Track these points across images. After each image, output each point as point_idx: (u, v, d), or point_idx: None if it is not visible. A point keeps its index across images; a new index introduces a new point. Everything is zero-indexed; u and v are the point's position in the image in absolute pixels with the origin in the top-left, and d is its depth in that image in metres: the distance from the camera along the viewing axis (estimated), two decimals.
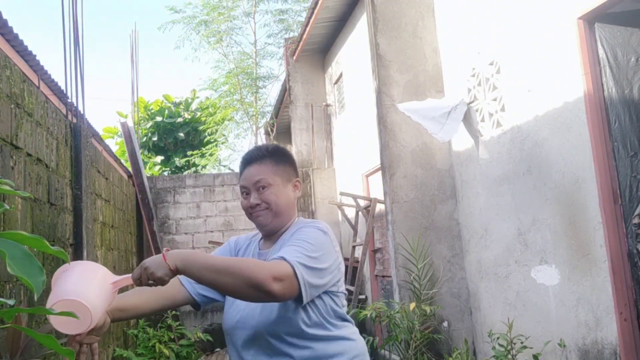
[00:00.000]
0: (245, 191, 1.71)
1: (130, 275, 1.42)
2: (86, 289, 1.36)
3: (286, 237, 1.64)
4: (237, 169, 15.61)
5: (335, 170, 8.61)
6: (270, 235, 1.71)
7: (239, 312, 1.63)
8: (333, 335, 1.59)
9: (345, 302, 1.70)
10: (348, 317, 1.68)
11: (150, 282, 1.37)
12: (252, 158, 1.72)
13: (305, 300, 1.46)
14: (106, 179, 4.76)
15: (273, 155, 1.72)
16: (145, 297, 1.65)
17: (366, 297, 6.93)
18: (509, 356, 3.57)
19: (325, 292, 1.57)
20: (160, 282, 1.37)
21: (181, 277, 1.70)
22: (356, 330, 1.70)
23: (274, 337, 1.56)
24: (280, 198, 1.67)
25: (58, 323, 1.34)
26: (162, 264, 1.37)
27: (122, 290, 1.51)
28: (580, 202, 3.39)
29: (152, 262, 1.38)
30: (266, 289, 1.36)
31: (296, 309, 1.54)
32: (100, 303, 1.39)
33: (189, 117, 17.40)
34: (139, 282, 1.39)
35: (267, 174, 1.67)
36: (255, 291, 1.37)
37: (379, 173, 5.56)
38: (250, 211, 1.69)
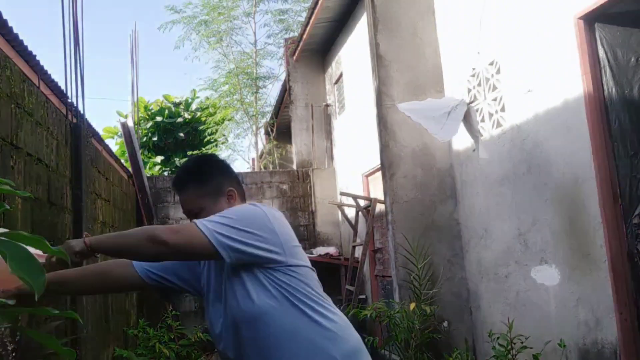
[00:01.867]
0: (187, 215, 1.76)
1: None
2: None
3: None
4: (237, 170, 15.63)
5: (335, 170, 8.60)
6: None
7: (218, 326, 1.66)
8: (308, 316, 1.55)
9: (318, 288, 1.65)
10: (329, 305, 1.63)
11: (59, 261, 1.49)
12: (176, 186, 1.77)
13: (223, 252, 1.49)
14: (106, 179, 4.76)
15: (195, 175, 1.73)
16: (88, 273, 1.69)
17: (366, 297, 6.93)
18: (509, 356, 3.57)
19: (280, 266, 1.56)
20: (74, 254, 1.46)
21: (135, 262, 1.75)
22: (344, 325, 1.62)
23: (247, 326, 1.56)
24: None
25: None
26: (79, 241, 1.49)
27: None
28: (580, 202, 3.39)
29: (73, 240, 1.51)
30: (162, 238, 1.45)
31: (252, 289, 1.54)
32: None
33: (189, 117, 17.38)
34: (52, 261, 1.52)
35: (193, 201, 1.72)
36: (153, 244, 1.46)
37: (379, 173, 5.56)
38: None
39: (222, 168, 1.79)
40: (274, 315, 1.53)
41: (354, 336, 1.63)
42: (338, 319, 1.62)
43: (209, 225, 1.49)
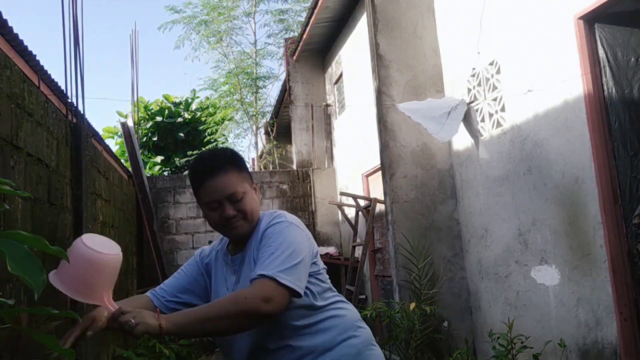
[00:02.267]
0: (215, 205, 1.61)
1: (117, 308, 1.43)
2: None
3: (255, 237, 1.63)
4: None
5: (335, 170, 8.60)
6: (242, 240, 1.69)
7: None
8: (323, 311, 1.63)
9: (327, 276, 1.75)
10: (332, 288, 1.75)
11: (127, 327, 1.36)
12: (214, 168, 1.61)
13: (302, 293, 1.51)
14: (106, 179, 4.76)
15: (234, 161, 1.66)
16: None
17: (366, 297, 6.93)
18: (509, 356, 3.57)
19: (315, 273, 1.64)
20: (137, 333, 1.36)
21: (150, 294, 1.71)
22: (344, 302, 1.76)
23: (274, 333, 1.57)
24: (253, 205, 1.64)
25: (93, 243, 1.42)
26: (154, 322, 1.36)
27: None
28: (580, 202, 3.39)
29: (145, 314, 1.38)
30: (261, 313, 1.41)
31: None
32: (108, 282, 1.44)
33: (189, 117, 17.38)
34: (115, 322, 1.40)
35: (237, 183, 1.62)
36: (253, 320, 1.43)
37: (379, 173, 5.56)
38: (226, 223, 1.62)
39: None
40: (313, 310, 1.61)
41: (352, 311, 1.77)
42: (338, 296, 1.77)
43: (288, 277, 1.46)
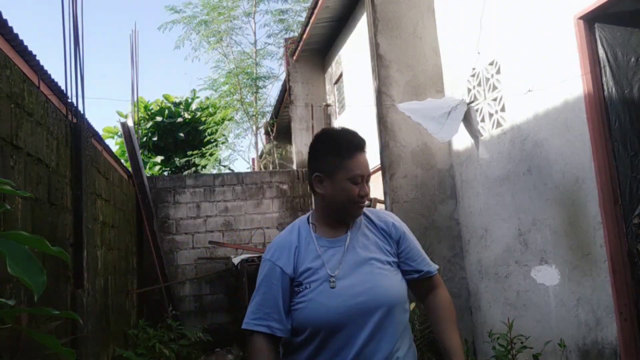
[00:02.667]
0: (359, 180, 1.64)
1: None
2: None
3: (359, 224, 1.72)
4: (236, 169, 15.60)
5: None
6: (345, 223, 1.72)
7: (357, 293, 1.59)
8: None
9: None
10: None
11: None
12: (363, 144, 1.70)
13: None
14: (106, 179, 4.76)
15: None
16: None
17: None
18: (509, 356, 3.57)
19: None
20: None
21: (269, 337, 1.61)
22: None
23: (400, 312, 1.65)
24: None
25: None
26: None
27: None
28: (580, 202, 3.39)
29: None
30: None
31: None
32: None
33: (189, 117, 17.38)
34: None
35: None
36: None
37: (379, 173, 5.56)
38: (360, 201, 1.65)
39: None
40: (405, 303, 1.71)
41: None
42: None
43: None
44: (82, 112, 3.55)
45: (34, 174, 2.53)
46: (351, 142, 1.65)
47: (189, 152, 15.71)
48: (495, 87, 4.30)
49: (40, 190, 2.61)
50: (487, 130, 4.41)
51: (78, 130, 3.33)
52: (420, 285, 1.75)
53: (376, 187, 6.50)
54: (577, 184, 3.41)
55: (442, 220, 4.89)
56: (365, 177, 1.65)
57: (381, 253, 1.68)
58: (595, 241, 3.26)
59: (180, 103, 18.01)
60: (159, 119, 17.06)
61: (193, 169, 15.55)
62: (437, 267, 1.77)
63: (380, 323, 1.58)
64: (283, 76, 10.38)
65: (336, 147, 1.64)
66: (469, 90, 4.65)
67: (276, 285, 1.62)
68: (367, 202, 1.74)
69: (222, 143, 13.56)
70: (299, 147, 9.17)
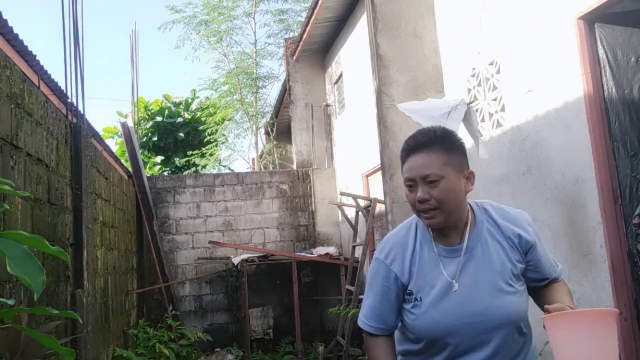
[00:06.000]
0: (411, 184, 1.52)
1: None
2: None
3: (480, 228, 1.56)
4: (236, 169, 15.60)
5: (335, 170, 8.60)
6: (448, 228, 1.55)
7: (473, 313, 1.50)
8: None
9: None
10: None
11: None
12: (419, 144, 1.52)
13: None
14: (106, 179, 4.77)
15: (444, 141, 1.52)
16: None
17: None
18: None
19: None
20: None
21: (386, 336, 1.63)
22: None
23: (517, 329, 1.57)
24: (451, 195, 1.48)
25: None
26: None
27: None
28: (580, 202, 3.39)
29: None
30: None
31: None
32: None
33: (189, 117, 17.39)
34: None
35: (437, 165, 1.48)
36: None
37: (379, 173, 5.56)
38: (418, 207, 1.50)
39: (465, 149, 1.59)
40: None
41: None
42: None
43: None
44: (82, 112, 3.55)
45: (34, 174, 2.53)
46: (406, 144, 1.58)
47: (189, 152, 15.72)
48: (495, 87, 4.30)
49: (40, 190, 2.61)
50: (487, 130, 4.41)
51: (78, 130, 3.33)
52: (540, 287, 1.65)
53: (376, 187, 6.51)
54: (577, 184, 3.41)
55: None
56: (417, 180, 1.50)
57: (503, 265, 1.54)
58: (595, 241, 3.26)
59: (180, 103, 18.02)
60: (159, 119, 17.06)
61: (193, 169, 15.56)
62: (562, 267, 1.66)
63: (494, 345, 1.50)
64: (283, 76, 10.40)
65: (401, 153, 1.60)
66: (469, 90, 4.65)
67: (391, 291, 1.59)
68: (428, 205, 1.50)
69: (222, 143, 13.58)
70: (299, 147, 9.16)
